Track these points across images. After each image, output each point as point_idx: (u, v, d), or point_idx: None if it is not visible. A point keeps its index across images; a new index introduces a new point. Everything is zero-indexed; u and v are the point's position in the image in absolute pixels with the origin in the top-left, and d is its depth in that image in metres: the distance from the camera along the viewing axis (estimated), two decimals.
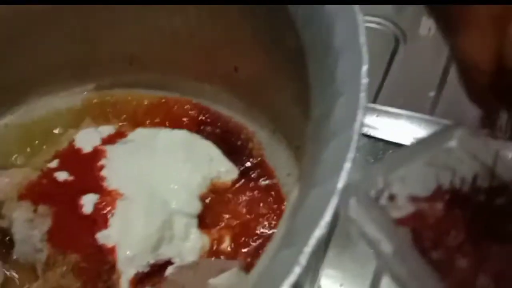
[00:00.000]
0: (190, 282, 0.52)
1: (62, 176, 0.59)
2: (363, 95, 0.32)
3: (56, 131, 0.70)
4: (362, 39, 0.35)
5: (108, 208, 0.57)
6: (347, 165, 0.29)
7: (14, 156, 0.67)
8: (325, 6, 0.38)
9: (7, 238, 0.60)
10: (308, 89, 0.42)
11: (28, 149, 0.68)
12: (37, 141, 0.69)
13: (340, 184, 0.28)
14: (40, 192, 0.58)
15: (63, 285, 0.54)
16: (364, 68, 0.33)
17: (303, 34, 0.42)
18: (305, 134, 0.56)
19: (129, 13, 0.66)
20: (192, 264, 0.56)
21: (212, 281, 0.51)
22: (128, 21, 0.68)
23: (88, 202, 0.57)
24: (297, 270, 0.26)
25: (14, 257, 0.59)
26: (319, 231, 0.26)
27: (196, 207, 0.60)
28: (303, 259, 0.26)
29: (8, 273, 0.59)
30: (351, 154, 0.29)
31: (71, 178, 0.59)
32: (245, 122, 0.70)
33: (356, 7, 0.37)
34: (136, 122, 0.71)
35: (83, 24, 0.69)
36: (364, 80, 0.33)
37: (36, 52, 0.70)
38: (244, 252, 0.60)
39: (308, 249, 0.26)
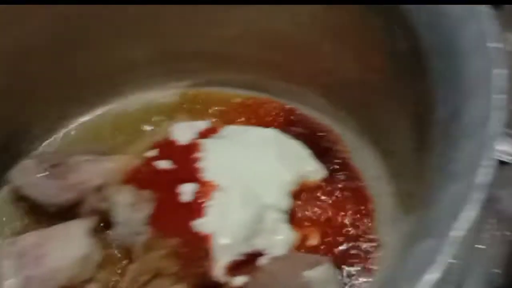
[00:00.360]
0: (284, 273, 0.54)
1: (163, 164, 0.62)
2: (497, 97, 0.33)
3: (152, 122, 0.74)
4: (492, 42, 0.36)
5: (205, 198, 0.60)
6: (487, 162, 0.30)
7: (111, 144, 0.72)
8: (450, 6, 0.39)
9: (105, 221, 0.64)
10: (425, 91, 0.43)
11: (125, 138, 0.72)
12: (133, 131, 0.73)
13: (481, 180, 0.29)
14: (143, 178, 0.61)
15: (161, 268, 0.57)
16: (497, 71, 0.34)
17: (424, 35, 0.43)
18: (399, 137, 0.58)
19: (230, 12, 0.69)
20: (284, 256, 0.58)
21: (307, 273, 0.53)
22: (226, 20, 0.70)
23: (186, 191, 0.60)
24: (441, 260, 0.27)
25: (112, 238, 0.62)
26: (464, 224, 0.27)
27: (286, 203, 0.62)
28: (450, 248, 0.27)
29: (104, 253, 0.63)
30: (490, 152, 0.30)
31: (171, 167, 0.62)
32: (332, 124, 0.72)
33: (484, 8, 0.38)
34: (227, 119, 0.73)
35: (180, 21, 0.72)
36: (499, 83, 0.33)
37: (131, 47, 0.73)
38: (332, 249, 0.61)
39: (455, 239, 0.27)
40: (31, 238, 0.62)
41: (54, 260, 0.61)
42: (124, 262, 0.62)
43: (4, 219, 0.67)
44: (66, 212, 0.64)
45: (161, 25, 0.73)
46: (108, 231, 0.63)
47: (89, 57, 0.72)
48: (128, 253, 0.62)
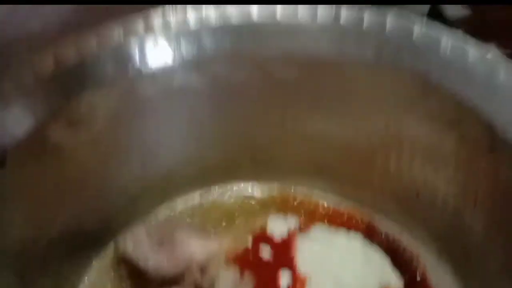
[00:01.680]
0: None
1: (265, 253, 0.69)
2: None
3: (248, 212, 0.82)
4: None
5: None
6: None
7: (210, 226, 0.79)
8: None
9: None
10: None
11: (221, 224, 0.80)
12: (228, 218, 0.81)
13: None
14: (247, 262, 0.68)
15: None
16: None
17: None
18: (483, 264, 0.64)
19: (327, 126, 0.78)
20: None
21: None
22: (315, 133, 0.80)
23: (284, 280, 0.67)
24: None
25: None
26: None
27: None
28: None
29: None
30: None
31: (271, 257, 0.69)
32: (411, 242, 0.78)
33: None
34: (314, 219, 0.81)
35: (273, 130, 0.82)
36: None
37: (227, 147, 0.83)
38: None
39: None
40: None
41: None
42: None
43: (109, 280, 0.74)
44: (166, 283, 0.70)
45: (256, 132, 0.82)
46: None
47: (194, 154, 0.82)
48: None
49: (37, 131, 0.61)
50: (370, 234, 0.79)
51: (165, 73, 0.71)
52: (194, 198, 0.84)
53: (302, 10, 0.72)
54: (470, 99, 0.64)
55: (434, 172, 0.72)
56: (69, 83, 0.66)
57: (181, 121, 0.78)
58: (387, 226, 0.80)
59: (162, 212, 0.82)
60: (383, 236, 0.80)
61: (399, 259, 0.76)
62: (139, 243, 0.72)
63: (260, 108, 0.80)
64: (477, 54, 0.66)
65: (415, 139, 0.72)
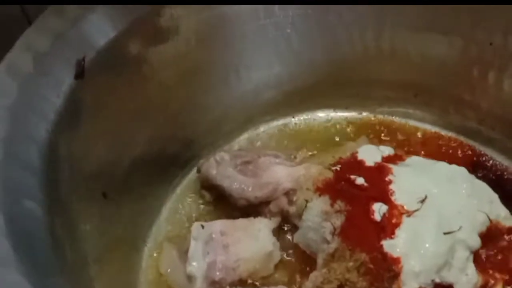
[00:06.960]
0: None
1: (359, 180, 0.63)
2: None
3: (335, 139, 0.76)
4: None
5: (395, 220, 0.60)
6: None
7: (295, 153, 0.74)
8: None
9: (285, 224, 0.66)
10: None
11: (308, 149, 0.75)
12: (318, 144, 0.75)
13: None
14: (338, 190, 0.62)
15: (348, 279, 0.57)
16: None
17: None
18: None
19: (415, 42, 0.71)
20: None
21: None
22: (415, 52, 0.72)
23: (378, 210, 0.60)
24: None
25: (296, 241, 0.64)
26: None
27: (477, 242, 0.60)
28: None
29: (283, 255, 0.65)
30: None
31: (365, 184, 0.63)
32: None
33: None
34: (409, 149, 0.74)
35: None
36: None
37: (318, 73, 0.77)
38: None
39: None
40: (218, 226, 0.65)
41: (240, 251, 0.63)
42: (303, 267, 0.63)
43: (191, 204, 0.71)
44: (250, 208, 0.67)
45: (349, 53, 0.75)
46: (287, 235, 0.66)
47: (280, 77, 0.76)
48: (306, 259, 0.63)
49: (117, 41, 0.57)
50: (476, 165, 0.71)
51: None
52: (279, 124, 0.79)
53: None
54: None
55: None
56: None
57: (267, 41, 0.72)
58: (495, 157, 0.72)
59: (247, 138, 0.78)
60: (491, 167, 0.72)
61: (509, 195, 0.68)
62: (223, 166, 0.68)
63: (353, 25, 0.72)
64: None
65: None
